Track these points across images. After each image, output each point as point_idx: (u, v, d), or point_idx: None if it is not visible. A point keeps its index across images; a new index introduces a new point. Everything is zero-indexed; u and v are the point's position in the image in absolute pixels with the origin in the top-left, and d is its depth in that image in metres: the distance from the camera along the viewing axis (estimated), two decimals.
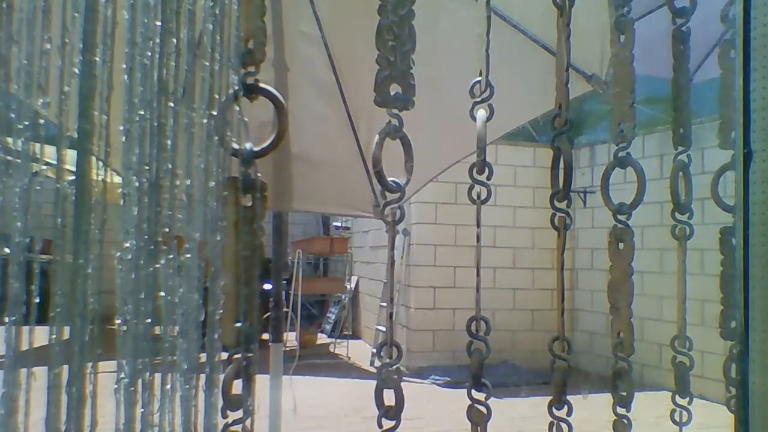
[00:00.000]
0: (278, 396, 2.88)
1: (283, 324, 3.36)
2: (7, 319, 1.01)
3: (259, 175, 1.09)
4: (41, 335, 1.02)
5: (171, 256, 1.11)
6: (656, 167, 6.34)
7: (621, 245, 1.53)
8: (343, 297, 9.92)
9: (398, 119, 1.32)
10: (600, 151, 7.70)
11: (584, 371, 7.15)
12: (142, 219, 1.10)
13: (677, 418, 1.80)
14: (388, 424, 1.33)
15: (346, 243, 10.02)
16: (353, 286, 10.10)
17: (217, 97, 1.11)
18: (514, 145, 7.65)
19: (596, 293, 7.44)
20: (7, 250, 1.02)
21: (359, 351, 8.49)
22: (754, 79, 1.17)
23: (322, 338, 9.65)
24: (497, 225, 7.55)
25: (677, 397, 1.80)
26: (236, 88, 1.10)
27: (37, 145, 1.08)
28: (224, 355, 1.07)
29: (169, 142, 1.13)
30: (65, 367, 1.05)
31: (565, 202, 1.54)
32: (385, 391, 1.35)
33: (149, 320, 1.10)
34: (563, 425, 1.52)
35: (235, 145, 1.10)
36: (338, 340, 9.28)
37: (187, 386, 1.08)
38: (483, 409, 1.51)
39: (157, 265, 1.10)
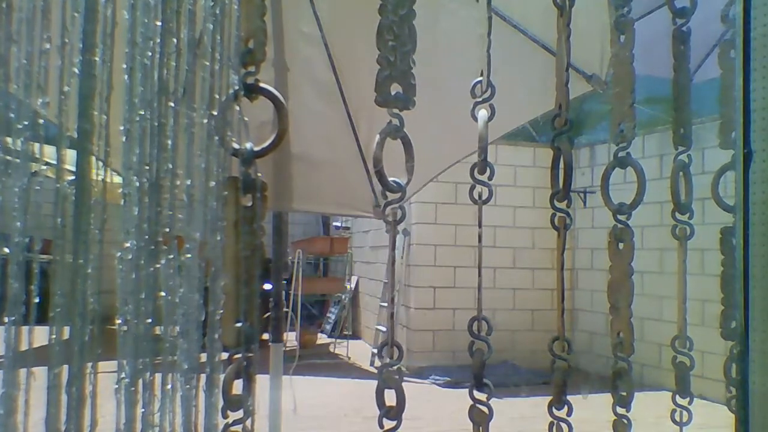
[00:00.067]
0: (278, 396, 2.88)
1: (283, 324, 3.36)
2: (6, 319, 1.01)
3: (259, 175, 1.09)
4: (41, 335, 1.02)
5: (171, 256, 1.11)
6: (656, 167, 6.34)
7: (621, 245, 1.53)
8: (343, 297, 9.92)
9: (399, 119, 1.32)
10: (600, 151, 7.70)
11: (584, 371, 7.15)
12: (143, 219, 1.10)
13: (677, 418, 1.80)
14: (389, 424, 1.33)
15: (346, 243, 10.02)
16: (353, 286, 10.10)
17: (217, 97, 1.11)
18: (514, 145, 7.65)
19: (596, 293, 7.44)
20: (6, 250, 1.02)
21: (359, 351, 8.49)
22: (754, 79, 1.17)
23: (322, 338, 9.65)
24: (497, 225, 7.55)
25: (677, 397, 1.80)
26: (236, 87, 1.10)
27: (37, 145, 1.08)
28: (224, 355, 1.07)
29: (169, 142, 1.13)
30: (65, 367, 1.04)
31: (565, 202, 1.54)
32: (386, 391, 1.35)
33: (150, 320, 1.10)
34: (563, 425, 1.52)
35: (236, 145, 1.10)
36: (338, 340, 9.28)
37: (188, 386, 1.08)
38: (485, 409, 1.51)
39: (158, 265, 1.10)
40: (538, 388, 6.07)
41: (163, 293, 1.10)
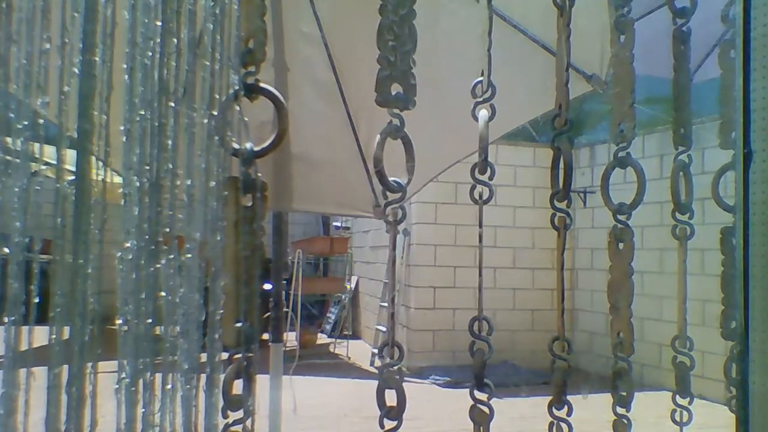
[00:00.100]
0: (278, 396, 2.88)
1: (283, 324, 3.35)
2: (6, 319, 1.01)
3: (259, 175, 1.09)
4: (41, 335, 1.02)
5: (172, 256, 1.11)
6: (656, 167, 6.34)
7: (621, 245, 1.53)
8: (343, 297, 9.92)
9: (399, 119, 1.32)
10: (600, 151, 7.70)
11: (584, 371, 7.15)
12: (143, 219, 1.10)
13: (678, 418, 1.80)
14: (389, 424, 1.33)
15: (346, 243, 10.02)
16: (353, 286, 10.10)
17: (217, 96, 1.11)
18: (514, 145, 7.65)
19: (596, 293, 7.44)
20: (6, 250, 1.02)
21: (359, 351, 8.48)
22: (754, 79, 1.17)
23: (322, 338, 9.65)
24: (497, 225, 7.55)
25: (678, 397, 1.80)
26: (237, 87, 1.10)
27: (37, 145, 1.08)
28: (225, 355, 1.07)
29: (169, 142, 1.13)
30: (65, 367, 1.04)
31: (565, 202, 1.54)
32: (386, 391, 1.35)
33: (150, 320, 1.10)
34: (563, 425, 1.52)
35: (236, 145, 1.10)
36: (338, 340, 9.28)
37: (188, 386, 1.08)
38: (485, 409, 1.51)
39: (158, 265, 1.10)
40: (538, 388, 6.07)
41: (163, 293, 1.10)
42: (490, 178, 1.56)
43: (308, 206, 4.16)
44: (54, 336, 1.03)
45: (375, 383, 1.36)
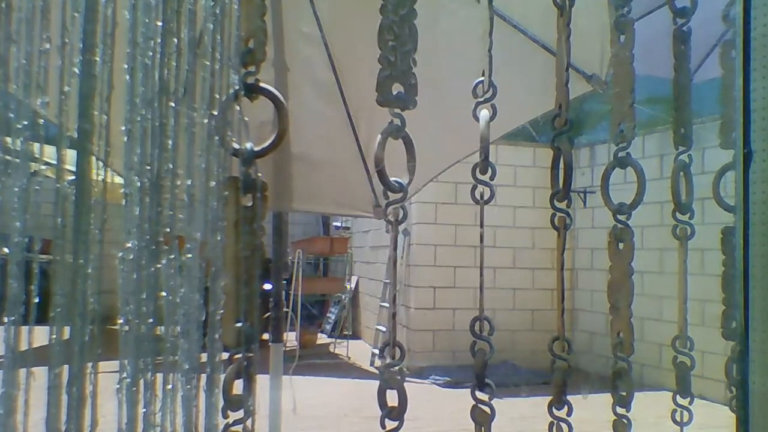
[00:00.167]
0: (278, 396, 2.88)
1: (283, 324, 3.36)
2: (6, 319, 1.01)
3: (259, 175, 1.09)
4: (41, 335, 1.02)
5: (172, 256, 1.11)
6: (656, 167, 6.34)
7: (621, 245, 1.53)
8: (343, 297, 9.92)
9: (400, 119, 1.32)
10: (600, 151, 7.70)
11: (584, 371, 7.15)
12: (144, 219, 1.10)
13: (678, 418, 1.80)
14: (390, 424, 1.33)
15: (346, 243, 10.02)
16: (353, 286, 10.10)
17: (217, 96, 1.11)
18: (514, 145, 7.65)
19: (596, 293, 7.44)
20: (6, 250, 1.02)
21: (359, 351, 8.48)
22: (754, 79, 1.17)
23: (322, 338, 9.65)
24: (497, 225, 7.55)
25: (678, 397, 1.80)
26: (237, 87, 1.10)
27: (37, 145, 1.08)
28: (225, 355, 1.07)
29: (170, 141, 1.13)
30: (65, 367, 1.04)
31: (565, 202, 1.54)
32: (387, 391, 1.35)
33: (151, 320, 1.10)
34: (563, 425, 1.52)
35: (236, 145, 1.10)
36: (338, 340, 9.28)
37: (189, 386, 1.08)
38: (487, 409, 1.51)
39: (159, 265, 1.10)
40: (538, 388, 6.07)
41: (164, 293, 1.10)
42: (491, 178, 1.56)
43: (308, 206, 4.16)
44: (54, 336, 1.03)
45: (375, 383, 1.36)
